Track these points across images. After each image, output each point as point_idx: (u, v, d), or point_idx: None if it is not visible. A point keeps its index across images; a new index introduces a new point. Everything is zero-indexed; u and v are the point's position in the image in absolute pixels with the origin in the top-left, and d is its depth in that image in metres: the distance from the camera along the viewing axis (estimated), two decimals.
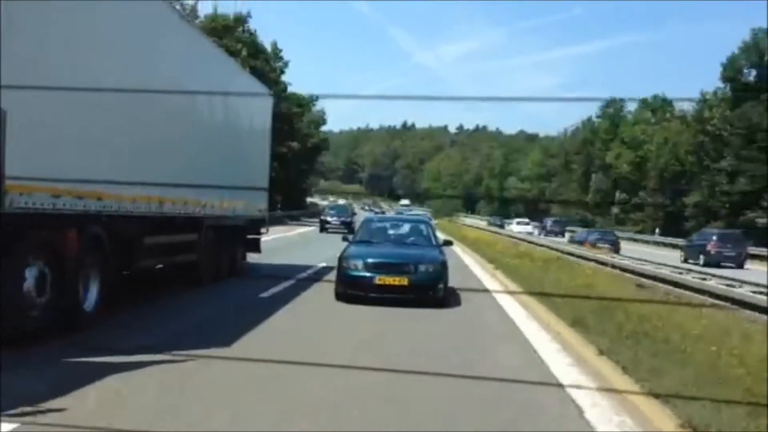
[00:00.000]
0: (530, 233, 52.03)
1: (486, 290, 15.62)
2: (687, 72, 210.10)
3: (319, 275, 16.42)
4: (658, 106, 73.07)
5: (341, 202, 56.96)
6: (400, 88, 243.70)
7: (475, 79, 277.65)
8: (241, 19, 49.06)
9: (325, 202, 77.88)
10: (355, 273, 12.44)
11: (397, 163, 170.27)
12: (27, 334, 7.60)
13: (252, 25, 51.12)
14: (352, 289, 12.25)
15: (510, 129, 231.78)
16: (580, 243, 37.91)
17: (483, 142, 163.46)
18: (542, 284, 15.23)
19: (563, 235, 51.40)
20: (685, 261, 31.72)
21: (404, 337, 9.70)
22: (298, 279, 15.12)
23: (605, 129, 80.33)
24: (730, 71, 55.07)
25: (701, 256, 32.39)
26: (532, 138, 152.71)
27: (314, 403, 6.02)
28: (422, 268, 12.58)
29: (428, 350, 8.71)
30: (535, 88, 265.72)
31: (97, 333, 8.61)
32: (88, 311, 8.98)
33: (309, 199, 78.77)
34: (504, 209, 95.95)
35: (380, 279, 12.26)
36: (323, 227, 40.37)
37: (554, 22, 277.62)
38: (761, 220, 45.85)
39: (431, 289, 12.46)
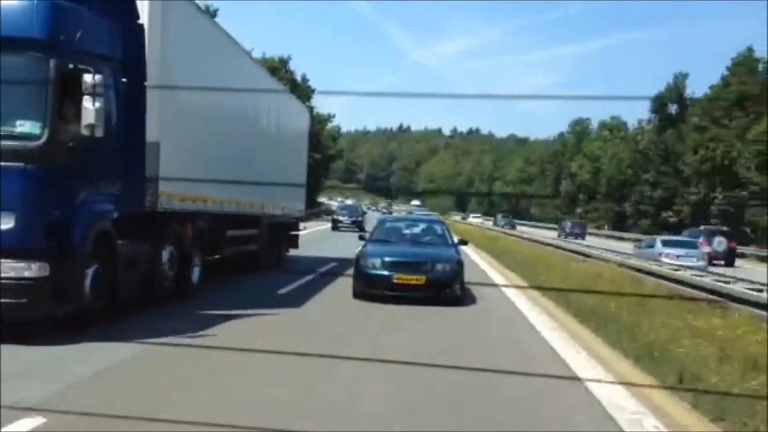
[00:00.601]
0: (482, 223, 67.90)
1: (494, 284, 16.38)
2: (684, 71, 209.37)
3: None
4: (614, 126, 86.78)
5: (349, 202, 59.17)
6: (396, 86, 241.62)
7: (471, 77, 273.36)
8: (284, 61, 60.60)
9: (331, 202, 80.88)
10: (373, 271, 12.48)
11: (393, 165, 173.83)
12: (153, 298, 10.43)
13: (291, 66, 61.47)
14: (370, 288, 12.31)
15: (502, 132, 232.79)
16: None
17: (475, 145, 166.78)
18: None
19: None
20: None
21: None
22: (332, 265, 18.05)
23: (572, 143, 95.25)
24: (657, 105, 68.80)
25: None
26: (522, 142, 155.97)
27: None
28: (439, 266, 12.59)
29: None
30: (531, 87, 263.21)
31: (202, 299, 11.49)
32: (194, 284, 11.89)
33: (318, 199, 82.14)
34: (492, 208, 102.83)
35: (398, 278, 12.29)
36: (335, 226, 41.54)
37: (551, 21, 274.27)
38: (672, 219, 59.80)
39: (448, 287, 12.51)
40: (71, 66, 7.96)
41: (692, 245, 25.98)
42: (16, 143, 7.64)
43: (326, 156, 67.19)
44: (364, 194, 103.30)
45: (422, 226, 15.59)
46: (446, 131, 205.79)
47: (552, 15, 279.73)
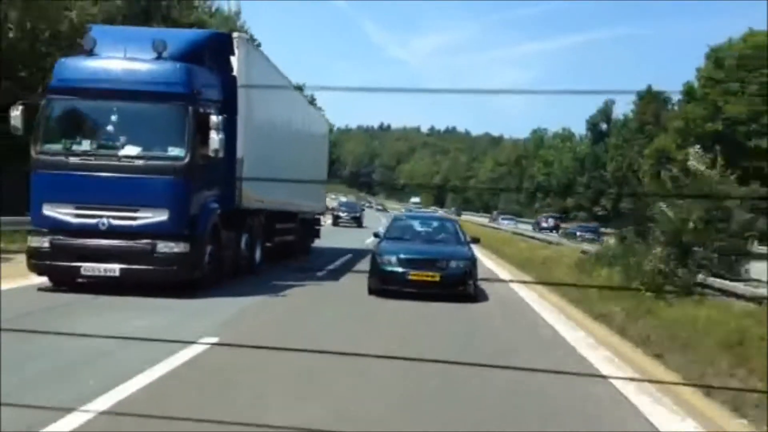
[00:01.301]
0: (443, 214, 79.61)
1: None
2: (658, 69, 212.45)
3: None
4: (565, 137, 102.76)
5: (344, 199, 60.47)
6: (374, 82, 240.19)
7: (448, 73, 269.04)
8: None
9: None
10: (389, 268, 12.57)
11: (376, 161, 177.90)
12: (236, 272, 13.84)
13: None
14: (386, 284, 12.45)
15: (477, 130, 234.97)
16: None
17: (452, 144, 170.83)
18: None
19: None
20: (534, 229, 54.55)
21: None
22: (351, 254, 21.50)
23: (532, 149, 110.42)
24: (590, 124, 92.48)
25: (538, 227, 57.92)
26: (497, 141, 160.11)
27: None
28: (453, 264, 12.66)
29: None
30: (506, 83, 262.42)
31: (264, 274, 14.89)
32: (257, 263, 15.30)
33: None
34: (467, 204, 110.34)
35: (413, 274, 12.36)
36: (335, 222, 42.12)
37: (525, 17, 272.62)
38: (600, 212, 74.58)
39: (462, 284, 12.54)
40: (201, 110, 11.40)
41: (514, 217, 40.23)
42: (168, 163, 11.09)
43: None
44: (348, 190, 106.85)
45: (435, 224, 15.88)
46: (425, 129, 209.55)
47: (526, 11, 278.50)
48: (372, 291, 12.53)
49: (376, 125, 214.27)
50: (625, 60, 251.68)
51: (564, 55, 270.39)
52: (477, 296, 12.75)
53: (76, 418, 4.94)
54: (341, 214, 44.73)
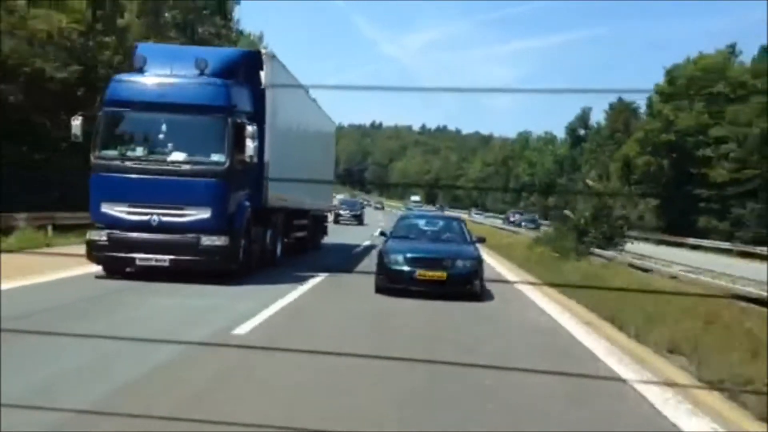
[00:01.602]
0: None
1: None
2: (641, 67, 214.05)
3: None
4: (548, 140, 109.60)
5: (341, 197, 60.78)
6: (365, 79, 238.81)
7: (439, 70, 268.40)
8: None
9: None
10: (396, 267, 12.63)
11: (369, 159, 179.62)
12: (261, 264, 15.37)
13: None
14: (393, 283, 12.53)
15: (467, 129, 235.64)
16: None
17: (443, 142, 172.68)
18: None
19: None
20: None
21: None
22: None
23: (518, 151, 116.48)
24: (570, 129, 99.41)
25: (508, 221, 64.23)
26: (486, 140, 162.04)
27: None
28: (459, 263, 12.71)
29: None
30: (496, 81, 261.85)
31: (285, 266, 16.42)
32: (278, 256, 16.83)
33: None
34: (456, 201, 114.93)
35: (420, 273, 12.42)
36: (336, 219, 41.35)
37: (515, 15, 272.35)
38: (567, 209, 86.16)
39: (468, 284, 12.61)
40: (239, 121, 12.94)
41: (482, 212, 68.44)
42: (211, 167, 12.63)
43: None
44: (341, 188, 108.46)
45: (441, 223, 16.01)
46: (416, 128, 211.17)
47: (516, 9, 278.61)
48: (379, 289, 12.64)
49: (368, 123, 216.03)
50: (613, 59, 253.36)
51: (553, 53, 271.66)
52: (483, 295, 12.90)
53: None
54: (342, 212, 44.75)
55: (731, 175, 50.49)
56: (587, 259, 19.63)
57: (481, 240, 15.17)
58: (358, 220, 43.56)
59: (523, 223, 57.22)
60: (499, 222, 65.24)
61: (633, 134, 66.22)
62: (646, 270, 16.95)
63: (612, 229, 22.68)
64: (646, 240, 28.25)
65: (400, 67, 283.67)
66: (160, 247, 12.53)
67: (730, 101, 51.46)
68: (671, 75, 60.57)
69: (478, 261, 13.14)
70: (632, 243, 23.90)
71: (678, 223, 51.58)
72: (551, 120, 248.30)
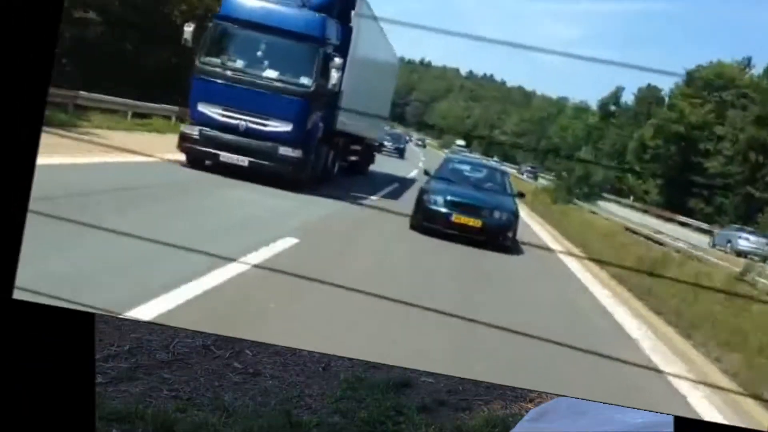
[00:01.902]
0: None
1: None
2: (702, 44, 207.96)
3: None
4: (584, 109, 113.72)
5: (388, 128, 61.90)
6: (414, 15, 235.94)
7: (495, 17, 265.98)
8: None
9: None
10: (435, 208, 12.85)
11: (413, 95, 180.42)
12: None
13: None
14: (429, 222, 12.68)
15: (512, 81, 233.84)
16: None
17: (487, 92, 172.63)
18: None
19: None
20: None
21: None
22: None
23: (553, 115, 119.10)
24: (602, 103, 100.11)
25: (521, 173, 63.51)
26: (529, 96, 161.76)
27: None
28: (497, 214, 12.88)
29: None
30: (551, 39, 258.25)
31: (339, 182, 18.20)
32: (333, 173, 18.63)
33: None
34: (488, 155, 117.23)
35: (457, 217, 12.58)
36: (379, 149, 45.78)
37: None
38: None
39: (502, 235, 12.74)
40: (328, 52, 14.63)
41: (534, 169, 62.27)
42: (299, 88, 14.39)
43: None
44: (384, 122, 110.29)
45: (486, 172, 16.67)
46: (464, 72, 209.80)
47: None
48: (413, 227, 13.23)
49: (417, 59, 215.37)
50: (676, 38, 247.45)
51: (618, 21, 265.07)
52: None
53: None
54: (386, 143, 46.79)
55: (722, 169, 53.46)
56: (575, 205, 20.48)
57: (521, 195, 15.37)
58: (400, 153, 44.63)
59: (525, 174, 60.51)
60: (513, 171, 67.96)
61: (651, 119, 69.13)
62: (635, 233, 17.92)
63: (590, 188, 24.44)
64: (645, 212, 31.26)
65: (454, 7, 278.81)
66: (243, 149, 14.38)
67: (733, 107, 53.72)
68: (691, 76, 62.20)
69: (515, 215, 13.65)
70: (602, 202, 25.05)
71: (674, 202, 54.57)
72: (588, 90, 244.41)
